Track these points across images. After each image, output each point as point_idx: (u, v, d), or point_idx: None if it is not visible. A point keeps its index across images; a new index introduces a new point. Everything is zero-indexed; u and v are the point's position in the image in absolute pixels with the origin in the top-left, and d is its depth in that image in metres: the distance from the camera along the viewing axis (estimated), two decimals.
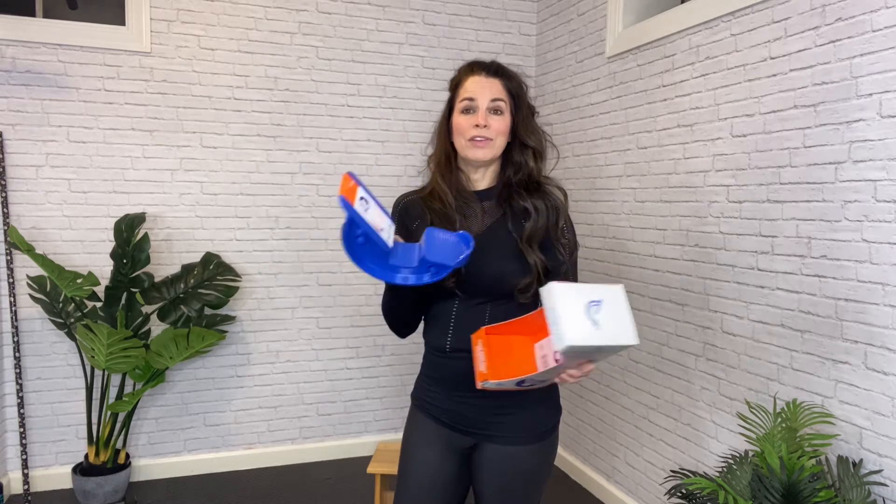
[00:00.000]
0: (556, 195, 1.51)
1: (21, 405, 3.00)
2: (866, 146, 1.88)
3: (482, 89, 1.48)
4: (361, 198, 1.20)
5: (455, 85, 1.54)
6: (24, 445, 3.02)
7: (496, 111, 1.48)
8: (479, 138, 1.47)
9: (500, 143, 1.49)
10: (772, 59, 2.19)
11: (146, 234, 2.98)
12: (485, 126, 1.46)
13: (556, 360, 1.19)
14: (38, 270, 3.01)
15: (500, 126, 1.48)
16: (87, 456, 3.00)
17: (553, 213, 1.48)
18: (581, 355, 1.21)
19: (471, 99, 1.48)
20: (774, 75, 2.18)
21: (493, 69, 1.51)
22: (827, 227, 2.00)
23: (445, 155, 1.56)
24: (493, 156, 1.49)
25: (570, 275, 1.47)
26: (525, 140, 1.51)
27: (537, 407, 1.50)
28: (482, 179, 1.55)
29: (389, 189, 3.58)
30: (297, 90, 3.41)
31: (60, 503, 3.01)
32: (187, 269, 3.13)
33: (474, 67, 1.52)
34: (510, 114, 1.50)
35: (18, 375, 2.99)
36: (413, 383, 3.83)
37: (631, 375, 2.95)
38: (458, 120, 1.50)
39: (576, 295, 1.19)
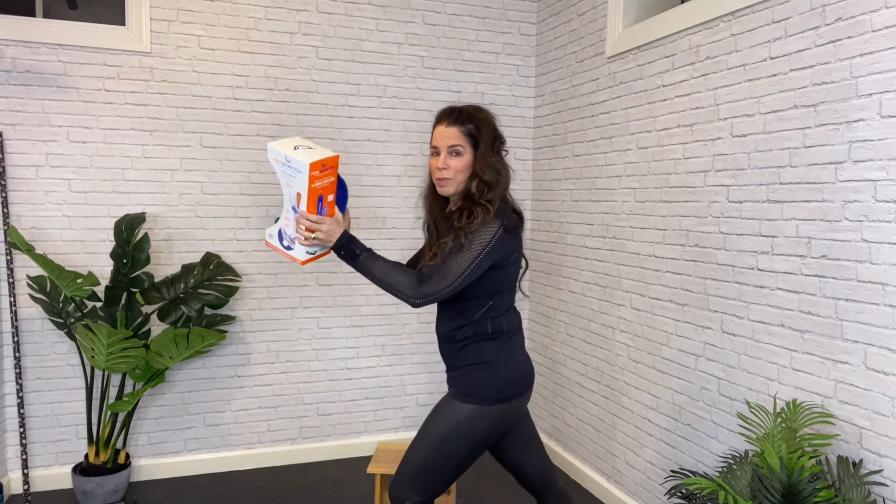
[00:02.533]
0: (485, 216, 1.77)
1: (21, 405, 3.00)
2: (866, 146, 1.88)
3: (442, 138, 1.84)
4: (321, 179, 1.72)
5: (432, 132, 1.91)
6: (24, 445, 3.02)
7: (455, 153, 1.83)
8: (440, 178, 1.85)
9: (459, 179, 1.84)
10: (772, 59, 2.19)
11: (146, 234, 2.98)
12: (444, 168, 1.83)
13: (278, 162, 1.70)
14: (38, 270, 3.01)
15: (458, 165, 1.83)
16: (87, 456, 3.00)
17: (458, 219, 1.79)
18: (285, 176, 1.71)
19: (435, 147, 1.87)
20: (774, 75, 2.18)
21: (454, 118, 1.85)
22: (827, 227, 2.00)
23: (429, 187, 1.96)
24: (454, 191, 1.85)
25: (435, 263, 1.78)
26: (478, 173, 1.81)
27: (464, 382, 1.87)
28: (454, 204, 1.90)
29: (389, 189, 3.58)
30: (297, 90, 3.41)
31: (60, 503, 3.01)
32: (187, 269, 3.13)
33: (440, 118, 1.88)
34: (470, 151, 1.83)
35: (18, 375, 2.99)
36: (412, 384, 3.87)
37: (631, 375, 2.95)
38: (430, 161, 1.90)
39: (290, 141, 1.75)
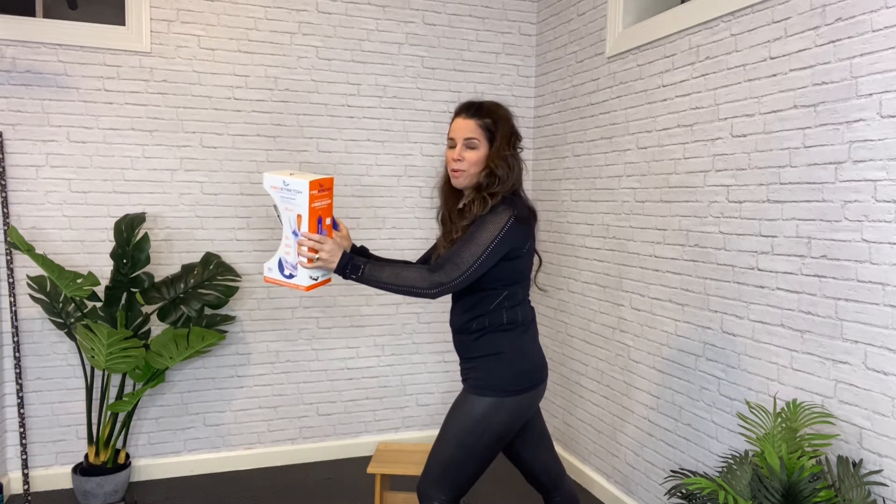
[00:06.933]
0: (483, 207, 1.82)
1: (21, 405, 3.00)
2: (866, 146, 1.88)
3: (459, 129, 1.87)
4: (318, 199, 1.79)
5: (449, 125, 1.96)
6: (24, 445, 3.02)
7: (470, 147, 1.85)
8: (455, 170, 1.87)
9: (472, 172, 1.85)
10: (772, 59, 2.19)
11: (146, 234, 2.98)
12: (460, 160, 1.85)
13: (271, 189, 1.77)
14: (38, 270, 3.01)
15: (472, 158, 1.84)
16: (87, 456, 3.00)
17: (469, 216, 1.83)
18: (284, 201, 1.76)
19: (451, 138, 1.89)
20: (774, 75, 2.18)
21: (472, 111, 1.87)
22: (827, 227, 2.00)
23: (444, 178, 1.98)
24: (467, 183, 1.87)
25: (446, 255, 1.80)
26: (490, 167, 1.83)
27: (480, 373, 1.89)
28: (467, 198, 1.91)
29: (389, 189, 3.58)
30: (297, 90, 3.41)
31: (60, 503, 3.01)
32: (187, 269, 3.13)
33: (458, 111, 1.90)
34: (486, 145, 1.85)
35: (18, 375, 2.99)
36: (412, 384, 3.87)
37: (631, 375, 2.95)
38: (446, 154, 1.92)
39: (279, 172, 1.80)
